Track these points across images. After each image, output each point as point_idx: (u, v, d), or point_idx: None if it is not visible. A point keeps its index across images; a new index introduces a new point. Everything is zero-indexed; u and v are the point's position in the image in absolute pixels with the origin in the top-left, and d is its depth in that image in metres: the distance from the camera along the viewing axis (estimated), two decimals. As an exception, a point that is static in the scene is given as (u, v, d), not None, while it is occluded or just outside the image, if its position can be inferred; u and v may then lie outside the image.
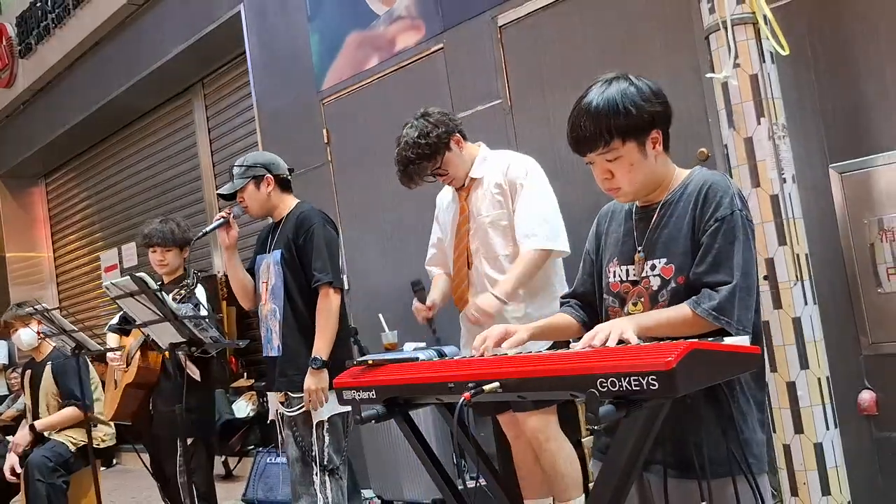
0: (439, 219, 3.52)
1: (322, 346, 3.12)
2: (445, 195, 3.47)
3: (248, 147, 6.75)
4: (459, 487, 1.97)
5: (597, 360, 1.43)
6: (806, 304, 2.85)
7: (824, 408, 2.83)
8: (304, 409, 3.17)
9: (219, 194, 3.28)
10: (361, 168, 5.32)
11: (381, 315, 4.34)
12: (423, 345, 4.66)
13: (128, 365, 3.83)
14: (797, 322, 2.82)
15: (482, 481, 2.04)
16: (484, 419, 4.54)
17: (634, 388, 1.35)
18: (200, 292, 3.62)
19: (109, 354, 3.76)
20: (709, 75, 3.00)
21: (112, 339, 4.00)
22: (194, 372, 3.74)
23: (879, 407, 3.09)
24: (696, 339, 1.45)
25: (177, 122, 8.04)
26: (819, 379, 2.83)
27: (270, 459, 5.65)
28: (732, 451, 1.70)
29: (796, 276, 2.85)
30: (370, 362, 1.90)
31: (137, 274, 2.81)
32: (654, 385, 1.33)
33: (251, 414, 6.78)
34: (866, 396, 3.09)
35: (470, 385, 1.59)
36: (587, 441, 3.75)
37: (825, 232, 3.17)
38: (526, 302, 3.16)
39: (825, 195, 3.19)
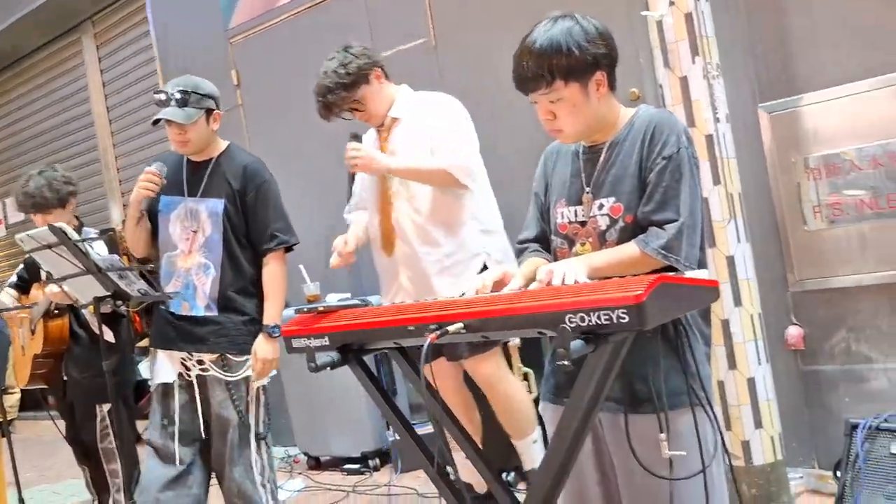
0: None
1: (275, 312, 3.04)
2: (368, 138, 3.45)
3: (147, 90, 6.51)
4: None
5: (565, 297, 1.48)
6: (739, 242, 3.00)
7: (756, 343, 3.00)
8: (243, 374, 3.06)
9: (161, 120, 2.98)
10: (276, 113, 5.22)
11: (301, 266, 4.33)
12: (347, 295, 4.74)
13: (33, 333, 3.71)
14: (731, 260, 2.97)
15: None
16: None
17: (604, 323, 1.41)
18: (101, 248, 3.45)
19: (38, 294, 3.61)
20: (644, 13, 3.07)
21: (6, 298, 3.85)
22: (108, 334, 3.61)
23: (806, 342, 3.29)
24: (657, 274, 1.52)
25: (65, 64, 7.67)
26: (752, 315, 2.99)
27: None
28: (689, 384, 1.79)
29: (730, 215, 2.99)
30: (321, 309, 1.90)
31: (57, 224, 2.70)
32: (623, 318, 1.40)
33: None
34: (793, 332, 3.29)
35: (432, 326, 1.63)
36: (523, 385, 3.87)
37: (755, 171, 3.32)
38: (443, 242, 3.18)
39: (755, 135, 3.34)
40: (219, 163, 3.11)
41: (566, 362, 1.42)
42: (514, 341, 3.74)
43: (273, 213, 3.06)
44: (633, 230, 1.84)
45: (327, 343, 1.85)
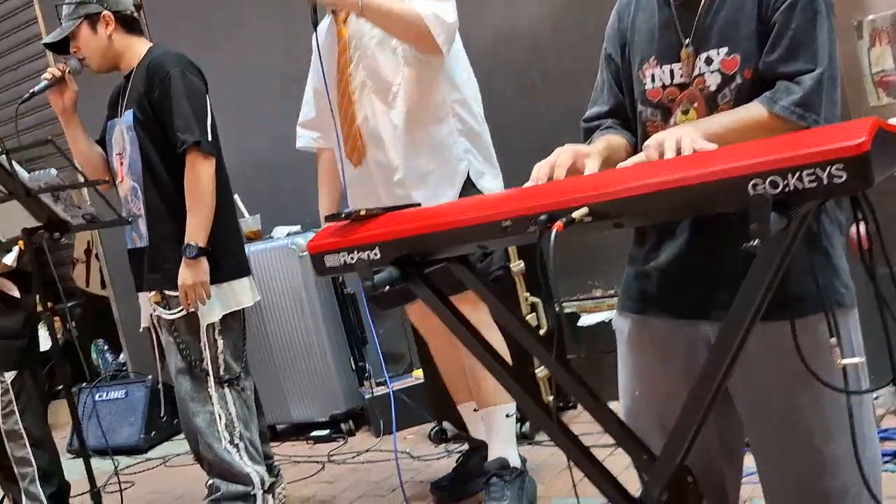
0: (316, 64, 3.17)
1: (196, 229, 2.92)
2: (322, 29, 3.10)
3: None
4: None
5: (746, 157, 1.24)
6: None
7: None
8: (184, 310, 2.96)
9: (45, 45, 3.03)
10: (187, 11, 4.84)
11: (236, 196, 4.02)
12: (296, 228, 4.45)
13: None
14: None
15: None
16: (384, 314, 4.38)
17: (808, 186, 1.18)
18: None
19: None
20: None
21: None
22: (10, 289, 3.43)
23: (872, 239, 3.16)
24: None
25: None
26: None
27: (101, 395, 5.26)
28: (826, 281, 1.60)
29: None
30: (362, 213, 1.63)
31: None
32: (838, 177, 1.16)
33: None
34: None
35: (542, 217, 1.37)
36: (531, 318, 3.67)
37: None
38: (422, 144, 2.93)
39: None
40: (136, 70, 3.05)
41: (754, 243, 1.20)
42: (519, 266, 3.52)
43: (176, 109, 2.92)
44: (754, 88, 1.61)
45: (378, 256, 1.57)
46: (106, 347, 6.34)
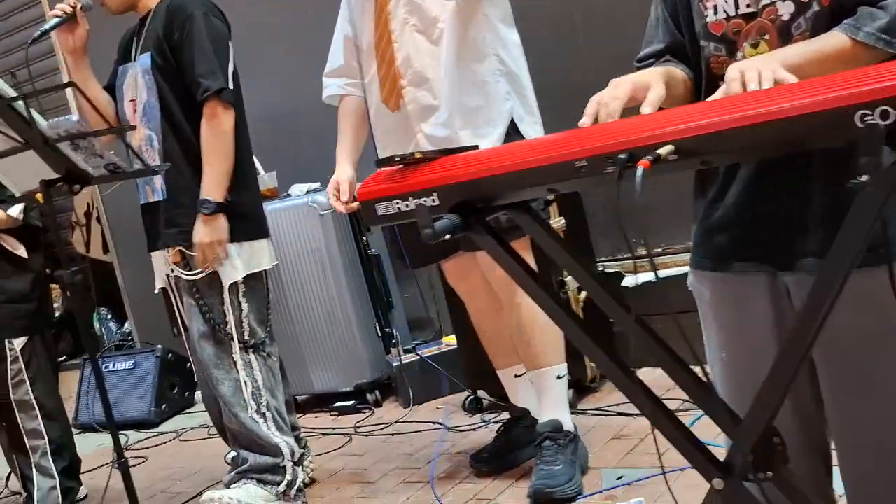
0: (346, 10, 3.14)
1: (213, 184, 2.92)
2: None
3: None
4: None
5: (849, 86, 1.22)
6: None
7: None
8: (208, 269, 2.97)
9: None
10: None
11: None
12: (315, 185, 4.44)
13: None
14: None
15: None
16: (411, 275, 4.38)
17: (927, 114, 1.16)
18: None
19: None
20: None
21: None
22: (16, 247, 3.46)
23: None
24: None
25: None
26: None
27: (107, 367, 5.28)
28: None
29: None
30: (417, 156, 1.61)
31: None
32: (958, 105, 1.14)
33: (57, 314, 6.32)
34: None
35: (621, 156, 1.35)
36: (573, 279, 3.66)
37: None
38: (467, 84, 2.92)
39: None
40: (155, 11, 3.04)
41: (863, 178, 1.18)
42: (560, 223, 3.51)
43: (197, 55, 2.91)
44: (832, 17, 1.57)
45: (436, 203, 1.55)
46: (109, 316, 6.38)
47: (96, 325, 6.35)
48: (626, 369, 1.53)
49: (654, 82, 1.56)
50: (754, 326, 1.70)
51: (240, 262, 2.99)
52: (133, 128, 2.84)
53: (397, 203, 1.60)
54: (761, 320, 1.68)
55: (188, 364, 5.11)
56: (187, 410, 5.19)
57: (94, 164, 2.39)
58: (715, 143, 1.30)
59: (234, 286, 2.98)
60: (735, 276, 1.72)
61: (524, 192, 1.52)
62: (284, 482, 3.05)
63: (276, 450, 3.02)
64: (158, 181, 2.99)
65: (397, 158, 1.61)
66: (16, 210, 3.32)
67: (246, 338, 3.02)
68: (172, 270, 3.04)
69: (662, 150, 1.30)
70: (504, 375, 3.24)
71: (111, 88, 3.19)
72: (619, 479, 2.87)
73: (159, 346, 5.15)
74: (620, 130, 1.40)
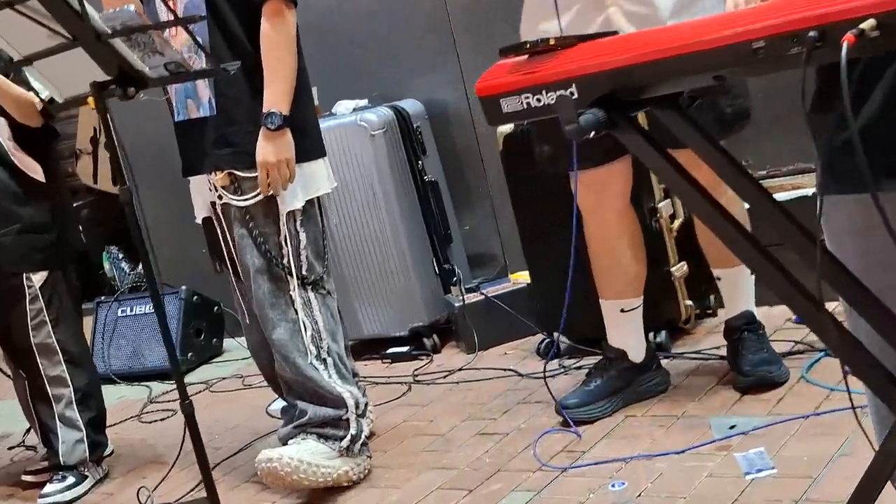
0: None
1: (278, 95, 2.86)
2: None
3: None
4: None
5: None
6: None
7: None
8: (261, 195, 2.91)
9: None
10: None
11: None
12: (363, 102, 4.37)
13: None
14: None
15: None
16: (470, 205, 4.31)
17: None
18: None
19: None
20: None
21: None
22: (35, 171, 3.42)
23: None
24: None
25: None
26: None
27: (123, 311, 5.27)
28: None
29: None
30: (551, 41, 1.52)
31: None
32: None
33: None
34: None
35: (810, 34, 1.26)
36: (666, 206, 3.58)
37: None
38: None
39: None
40: None
41: None
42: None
43: None
44: None
45: (574, 95, 1.48)
46: (121, 255, 6.34)
47: (106, 266, 6.32)
48: (814, 300, 1.45)
49: None
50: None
51: (300, 186, 2.94)
52: (204, 17, 2.74)
53: (527, 97, 1.54)
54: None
55: (215, 307, 5.13)
56: (215, 359, 5.15)
57: (153, 64, 2.31)
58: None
59: (290, 214, 2.93)
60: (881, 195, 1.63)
61: (684, 80, 1.45)
62: (348, 437, 2.98)
63: (338, 401, 2.97)
64: (206, 94, 2.92)
65: (527, 45, 1.53)
66: (46, 92, 3.14)
67: (304, 273, 2.98)
68: (220, 197, 2.97)
69: (865, 25, 1.22)
70: (609, 307, 3.20)
71: None
72: (731, 427, 2.84)
73: (183, 287, 5.10)
74: (805, 4, 1.32)
